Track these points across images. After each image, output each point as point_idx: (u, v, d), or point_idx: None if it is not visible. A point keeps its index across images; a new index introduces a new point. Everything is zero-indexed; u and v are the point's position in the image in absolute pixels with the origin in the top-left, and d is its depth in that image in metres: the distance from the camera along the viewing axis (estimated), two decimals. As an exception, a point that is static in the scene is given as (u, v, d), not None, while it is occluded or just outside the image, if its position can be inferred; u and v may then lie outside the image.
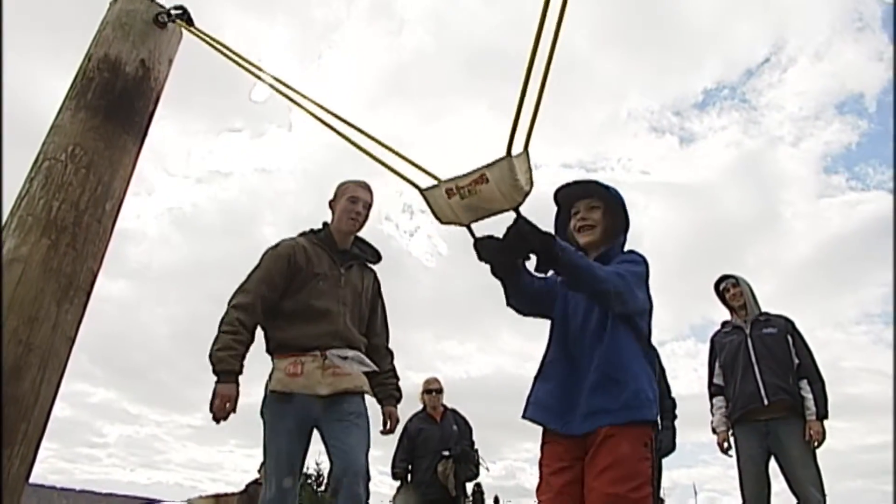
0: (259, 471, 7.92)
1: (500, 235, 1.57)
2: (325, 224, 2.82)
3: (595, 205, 2.07)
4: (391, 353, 2.88)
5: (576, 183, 2.09)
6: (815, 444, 3.53)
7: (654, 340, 2.08)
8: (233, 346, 2.43)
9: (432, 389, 5.57)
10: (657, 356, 3.95)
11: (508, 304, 1.92)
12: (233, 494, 8.67)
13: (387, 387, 2.80)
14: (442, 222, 1.48)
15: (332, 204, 2.83)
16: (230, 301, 2.55)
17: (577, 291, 1.89)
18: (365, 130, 1.53)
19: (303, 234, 2.79)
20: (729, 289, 4.06)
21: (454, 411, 5.64)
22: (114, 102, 1.57)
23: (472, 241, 1.58)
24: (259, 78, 1.73)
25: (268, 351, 2.62)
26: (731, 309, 4.08)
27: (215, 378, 2.41)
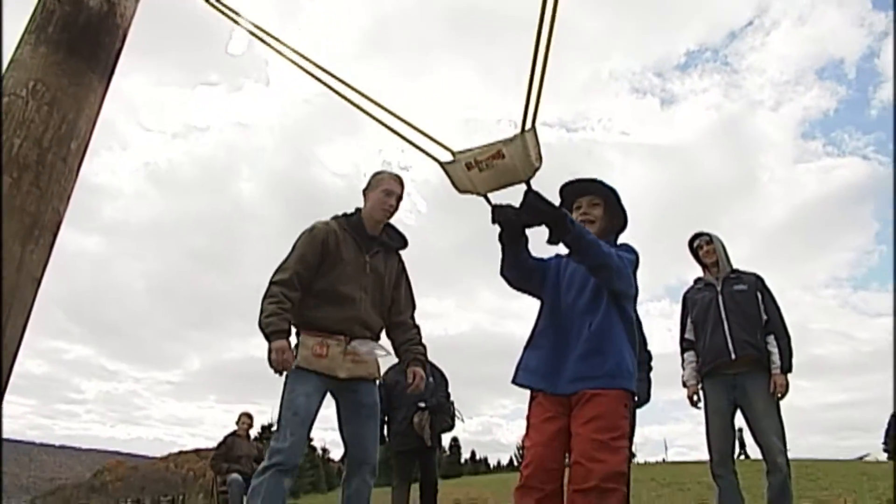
0: (237, 423, 8.00)
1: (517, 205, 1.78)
2: (357, 210, 3.01)
3: (596, 202, 2.29)
4: (417, 327, 3.12)
5: (581, 181, 2.30)
6: (779, 396, 3.67)
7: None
8: (278, 312, 2.68)
9: (409, 342, 5.63)
10: (635, 313, 4.05)
11: (502, 273, 2.11)
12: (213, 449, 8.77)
13: (411, 351, 3.05)
14: (460, 192, 1.68)
15: (365, 192, 3.01)
16: (272, 278, 2.80)
17: (583, 262, 2.03)
18: (375, 99, 1.61)
19: (335, 218, 2.99)
20: (703, 246, 4.11)
21: (431, 364, 5.70)
22: (77, 37, 1.50)
23: (488, 207, 1.78)
24: (254, 35, 1.68)
25: (295, 325, 2.82)
26: (704, 266, 4.15)
27: (267, 340, 2.65)
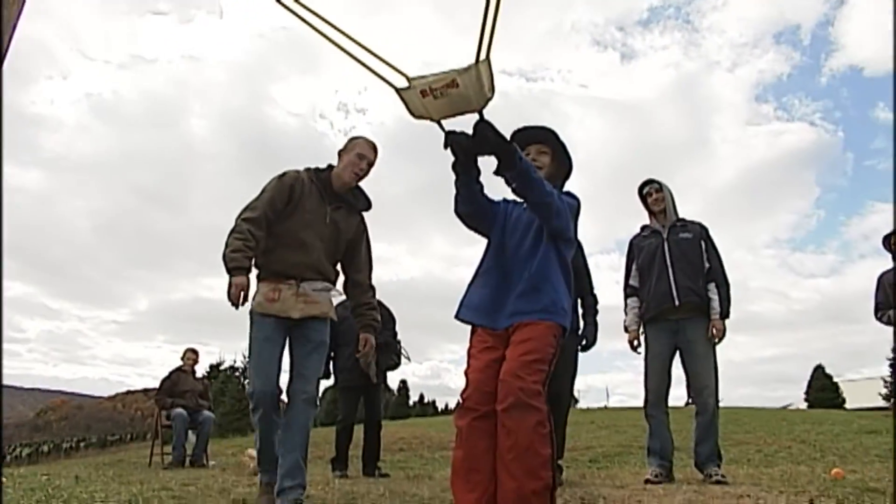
0: (182, 358, 7.95)
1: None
2: (329, 167, 3.15)
3: (545, 150, 2.40)
4: (373, 289, 3.29)
5: (532, 127, 2.40)
6: (717, 340, 3.86)
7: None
8: (242, 249, 2.80)
9: (357, 280, 5.65)
10: (583, 254, 4.12)
11: (456, 210, 2.21)
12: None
13: (365, 317, 3.24)
14: (414, 117, 1.75)
15: (340, 153, 3.16)
16: (239, 215, 2.91)
17: (526, 198, 2.11)
18: (334, 24, 1.61)
19: (307, 170, 3.11)
20: (652, 193, 4.16)
21: (379, 302, 5.73)
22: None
23: (441, 133, 1.85)
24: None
25: (256, 266, 2.96)
26: (651, 213, 4.22)
27: (229, 275, 2.77)
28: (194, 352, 8.01)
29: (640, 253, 4.16)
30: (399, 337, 5.70)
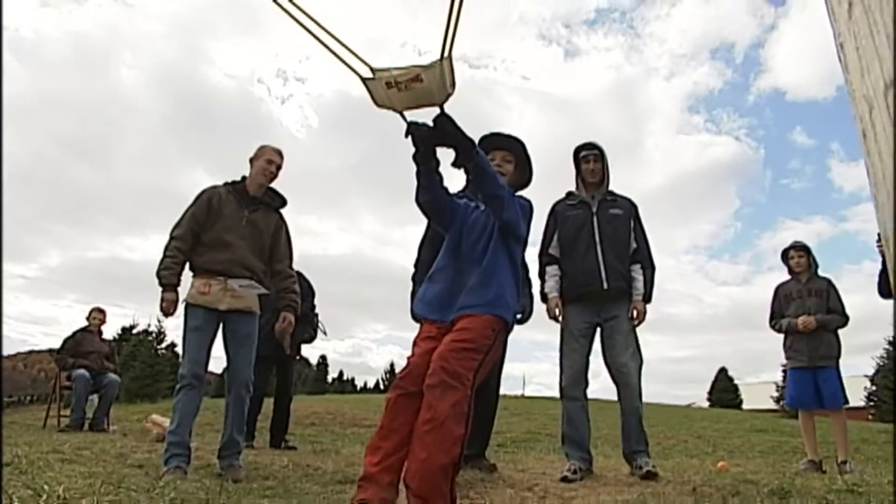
0: (87, 318, 7.58)
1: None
2: (243, 178, 3.64)
3: (510, 158, 2.66)
4: (292, 276, 3.75)
5: (502, 135, 2.66)
6: (637, 322, 3.63)
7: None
8: (171, 267, 3.38)
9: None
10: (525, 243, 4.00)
11: (417, 200, 2.29)
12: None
13: (286, 298, 3.70)
14: (377, 106, 1.88)
15: (252, 160, 3.65)
16: (171, 233, 3.44)
17: (480, 189, 2.26)
18: (305, 10, 1.66)
19: (225, 184, 3.62)
20: (589, 160, 3.78)
21: (299, 273, 5.63)
22: None
23: (404, 124, 1.99)
24: None
25: (191, 269, 3.46)
26: (583, 181, 3.84)
27: (161, 289, 3.36)
28: (101, 311, 7.63)
29: (565, 223, 3.79)
30: (317, 311, 5.62)
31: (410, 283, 3.76)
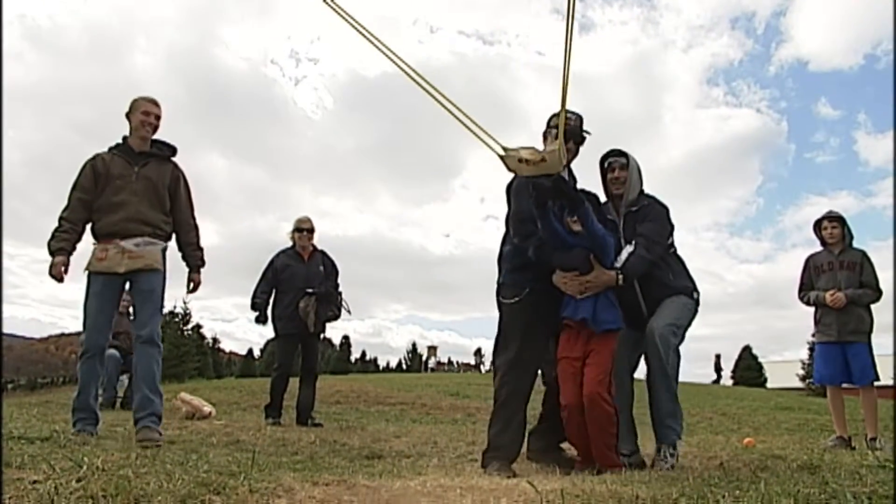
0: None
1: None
2: (123, 138, 3.60)
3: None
4: (196, 228, 3.69)
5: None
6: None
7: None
8: (56, 235, 3.41)
9: (303, 228, 5.55)
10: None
11: (540, 259, 2.96)
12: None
13: (192, 257, 3.67)
14: (508, 170, 2.60)
15: (128, 116, 3.59)
16: (60, 213, 3.45)
17: (589, 234, 2.87)
18: (447, 96, 2.22)
19: (109, 149, 3.58)
20: (614, 168, 3.35)
21: (323, 253, 5.68)
22: None
23: (527, 178, 2.70)
24: None
25: (93, 237, 3.49)
26: (608, 192, 3.41)
27: (51, 257, 3.39)
28: (129, 293, 7.76)
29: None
30: (341, 289, 5.66)
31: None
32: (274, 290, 5.47)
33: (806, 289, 4.69)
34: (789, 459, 3.03)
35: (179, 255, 3.69)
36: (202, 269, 3.74)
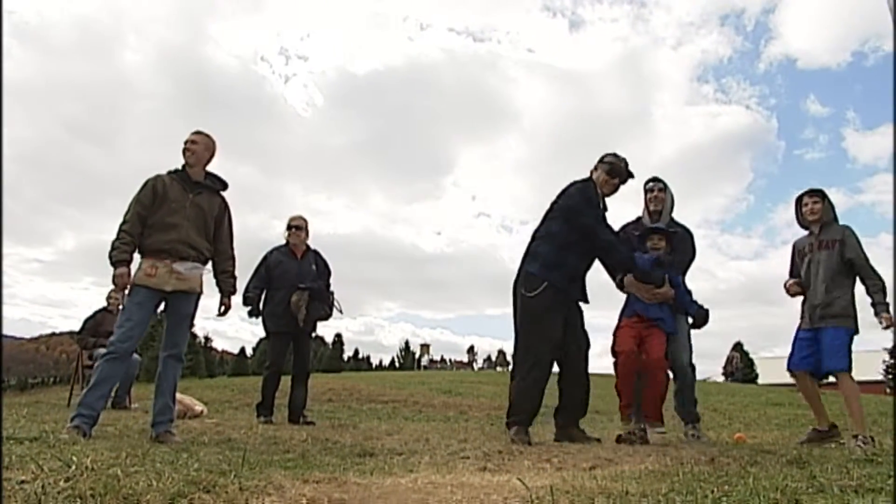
0: (107, 299, 7.69)
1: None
2: (183, 166, 3.89)
3: (661, 237, 4.29)
4: (233, 259, 4.04)
5: (654, 229, 4.29)
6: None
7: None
8: (119, 247, 3.61)
9: (294, 226, 5.55)
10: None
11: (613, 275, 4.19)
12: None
13: (226, 283, 3.99)
14: None
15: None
16: (120, 224, 3.65)
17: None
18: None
19: (169, 172, 3.85)
20: (654, 191, 4.47)
21: (316, 252, 5.66)
22: None
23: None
24: None
25: (139, 252, 3.69)
26: (647, 209, 4.49)
27: (113, 268, 3.59)
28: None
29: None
30: (333, 289, 5.64)
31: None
32: (266, 288, 5.45)
33: (794, 277, 4.34)
34: (779, 454, 3.06)
35: (214, 280, 4.02)
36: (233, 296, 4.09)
